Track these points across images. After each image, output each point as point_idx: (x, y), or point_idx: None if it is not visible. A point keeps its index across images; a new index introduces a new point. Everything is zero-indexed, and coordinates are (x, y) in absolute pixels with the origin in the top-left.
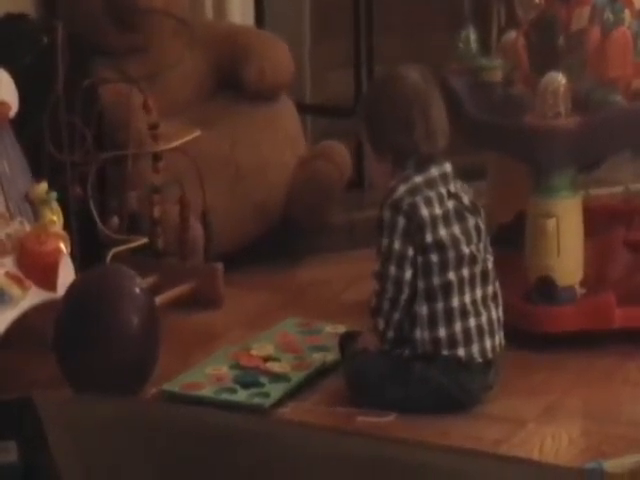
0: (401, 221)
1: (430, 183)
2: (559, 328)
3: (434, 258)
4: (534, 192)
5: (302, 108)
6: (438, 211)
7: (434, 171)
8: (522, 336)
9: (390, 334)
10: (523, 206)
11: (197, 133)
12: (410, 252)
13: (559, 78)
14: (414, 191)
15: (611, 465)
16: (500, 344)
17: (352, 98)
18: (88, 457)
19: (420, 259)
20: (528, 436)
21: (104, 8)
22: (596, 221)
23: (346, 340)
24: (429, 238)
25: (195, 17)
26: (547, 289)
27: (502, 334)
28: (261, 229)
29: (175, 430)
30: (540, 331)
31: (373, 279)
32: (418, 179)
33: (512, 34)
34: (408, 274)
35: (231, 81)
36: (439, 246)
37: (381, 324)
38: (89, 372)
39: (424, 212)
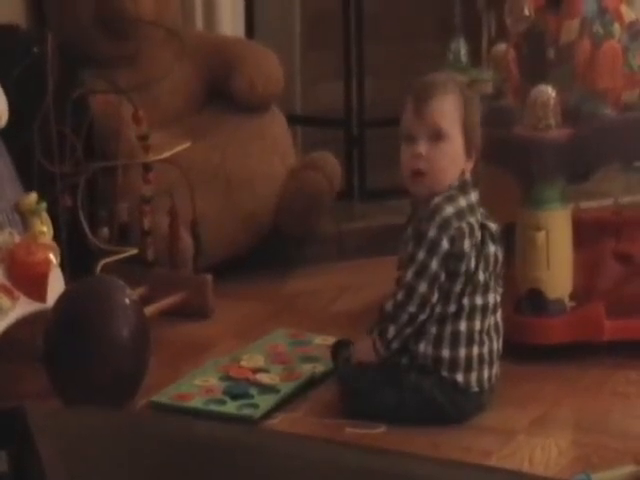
0: (445, 244)
1: (471, 209)
2: (549, 340)
3: (457, 287)
4: (524, 204)
5: (292, 119)
6: (474, 243)
7: (473, 196)
8: (512, 347)
9: (395, 344)
10: (513, 218)
11: (187, 144)
12: (443, 277)
13: (549, 90)
14: (460, 215)
15: (600, 476)
16: (496, 373)
17: (342, 109)
18: (78, 468)
19: (445, 286)
20: (518, 447)
21: (94, 19)
22: (586, 233)
23: (338, 348)
24: (463, 268)
25: (185, 28)
26: (537, 301)
27: (498, 363)
28: (251, 240)
29: (165, 441)
30: (530, 343)
31: (396, 285)
32: (462, 202)
33: (502, 46)
34: (435, 297)
35: (221, 92)
36: (466, 276)
37: (392, 332)
38: (78, 383)
39: (467, 243)
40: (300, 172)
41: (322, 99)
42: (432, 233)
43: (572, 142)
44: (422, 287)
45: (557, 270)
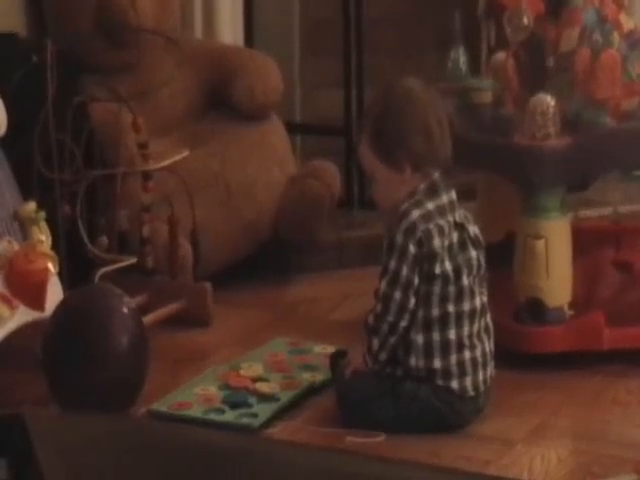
0: (412, 248)
1: (441, 210)
2: (548, 349)
3: (436, 289)
4: (523, 213)
5: (292, 127)
6: (447, 242)
7: (444, 198)
8: (511, 356)
9: (383, 356)
10: (512, 226)
11: (186, 152)
12: (416, 280)
13: (548, 99)
14: (427, 217)
15: None
16: (491, 375)
17: (342, 117)
18: (77, 475)
19: (423, 289)
20: (517, 456)
21: (94, 27)
22: (585, 242)
23: (337, 359)
24: (437, 269)
25: (185, 36)
26: (536, 310)
27: (493, 364)
28: (250, 248)
29: (163, 449)
30: (529, 351)
31: (375, 298)
32: (430, 205)
33: (502, 55)
34: (412, 302)
35: (221, 100)
36: (444, 278)
37: (376, 344)
38: (77, 391)
39: (437, 243)
40: (300, 180)
41: (322, 107)
42: (399, 239)
43: (571, 151)
44: (397, 295)
45: (557, 279)
